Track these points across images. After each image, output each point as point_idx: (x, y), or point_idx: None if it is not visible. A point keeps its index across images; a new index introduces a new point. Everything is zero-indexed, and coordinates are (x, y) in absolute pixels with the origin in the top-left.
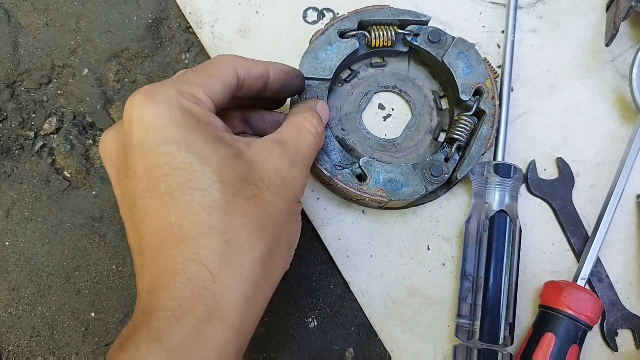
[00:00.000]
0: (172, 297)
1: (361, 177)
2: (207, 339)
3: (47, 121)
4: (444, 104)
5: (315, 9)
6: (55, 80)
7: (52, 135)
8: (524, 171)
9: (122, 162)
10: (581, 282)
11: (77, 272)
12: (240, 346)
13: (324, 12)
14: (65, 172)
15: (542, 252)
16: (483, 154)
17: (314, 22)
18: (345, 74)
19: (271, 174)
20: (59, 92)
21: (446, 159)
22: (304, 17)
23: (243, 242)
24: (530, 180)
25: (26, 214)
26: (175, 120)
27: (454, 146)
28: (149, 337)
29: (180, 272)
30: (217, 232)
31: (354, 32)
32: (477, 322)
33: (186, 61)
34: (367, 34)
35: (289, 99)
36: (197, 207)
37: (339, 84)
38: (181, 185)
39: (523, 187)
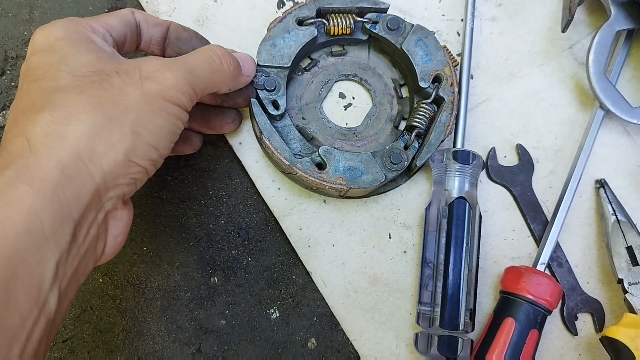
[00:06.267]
0: None
1: (321, 166)
2: (10, 202)
3: (1, 114)
4: (404, 92)
5: None
6: (8, 72)
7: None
8: (484, 158)
9: None
10: (541, 267)
11: None
12: (56, 216)
13: (284, 0)
14: None
15: (502, 239)
16: (442, 141)
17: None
18: (305, 62)
19: (129, 67)
20: (12, 84)
21: (406, 147)
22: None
23: (70, 115)
24: (490, 167)
25: None
26: (59, 36)
27: (414, 133)
28: None
29: (3, 148)
30: (47, 107)
31: (312, 20)
32: (438, 309)
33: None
34: (325, 21)
35: None
36: (42, 93)
37: (299, 73)
38: (36, 78)
39: (483, 174)
